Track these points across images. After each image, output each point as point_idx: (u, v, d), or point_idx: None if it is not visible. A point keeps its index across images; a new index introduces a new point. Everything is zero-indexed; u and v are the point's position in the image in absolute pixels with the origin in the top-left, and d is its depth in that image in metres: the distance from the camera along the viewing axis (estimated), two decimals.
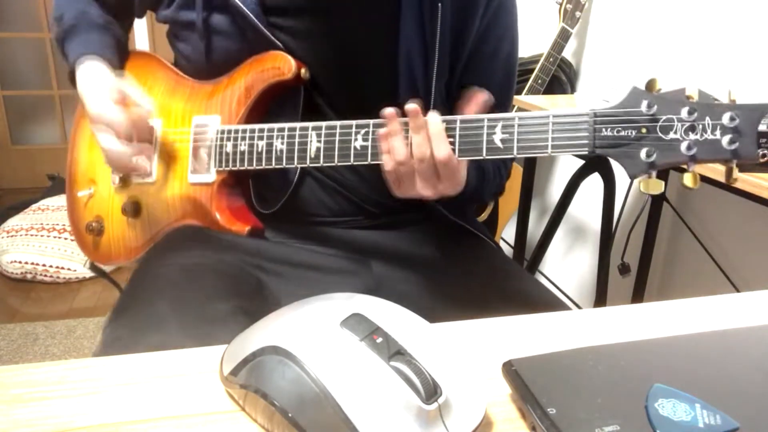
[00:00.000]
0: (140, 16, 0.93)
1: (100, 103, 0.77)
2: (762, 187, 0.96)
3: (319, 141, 0.71)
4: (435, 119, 0.65)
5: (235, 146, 0.77)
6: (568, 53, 1.93)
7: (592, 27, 1.90)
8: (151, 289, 0.70)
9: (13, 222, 2.39)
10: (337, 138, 0.70)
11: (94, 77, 0.83)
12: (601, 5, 1.85)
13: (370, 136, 0.68)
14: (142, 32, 2.99)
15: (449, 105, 0.83)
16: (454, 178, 0.67)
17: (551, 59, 1.86)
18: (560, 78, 1.93)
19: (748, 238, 1.43)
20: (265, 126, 0.75)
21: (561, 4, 1.85)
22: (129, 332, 0.63)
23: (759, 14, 1.34)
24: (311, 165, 0.73)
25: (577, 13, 1.83)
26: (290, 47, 0.78)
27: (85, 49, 0.85)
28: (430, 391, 0.37)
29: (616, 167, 1.62)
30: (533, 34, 2.06)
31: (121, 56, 0.90)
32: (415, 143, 0.65)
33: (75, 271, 2.27)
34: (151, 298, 0.68)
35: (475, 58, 0.83)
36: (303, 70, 0.77)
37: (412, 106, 0.65)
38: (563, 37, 1.85)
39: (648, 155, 0.57)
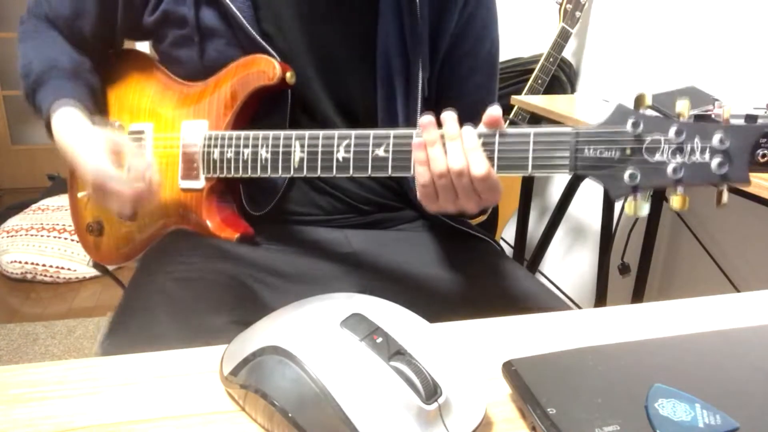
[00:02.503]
0: (119, 46, 0.90)
1: (99, 161, 0.72)
2: (762, 187, 0.96)
3: (303, 151, 0.69)
4: (469, 131, 0.60)
5: (222, 153, 0.76)
6: (568, 53, 1.93)
7: (592, 27, 1.90)
8: (148, 305, 0.69)
9: (13, 222, 2.39)
10: (319, 149, 0.68)
11: (76, 128, 0.78)
12: (601, 5, 1.85)
13: (352, 149, 0.66)
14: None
15: (428, 103, 0.83)
16: (496, 191, 0.62)
17: (551, 59, 1.86)
18: (560, 78, 1.93)
19: (748, 238, 1.43)
20: (251, 133, 0.74)
21: (561, 4, 1.85)
22: (127, 347, 0.63)
23: (758, 14, 1.34)
24: (296, 176, 0.71)
25: (577, 13, 1.83)
26: (275, 45, 0.77)
27: (57, 96, 0.80)
28: (430, 391, 0.37)
29: None
30: (533, 34, 2.06)
31: (95, 102, 0.85)
32: (451, 156, 0.60)
33: (75, 271, 2.27)
34: (148, 312, 0.68)
35: (453, 58, 0.82)
36: (288, 74, 0.76)
37: (450, 113, 0.61)
38: (563, 37, 1.85)
39: (631, 178, 0.55)
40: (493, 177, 0.59)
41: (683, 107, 0.53)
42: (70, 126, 0.78)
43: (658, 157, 0.54)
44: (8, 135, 3.30)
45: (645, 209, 0.56)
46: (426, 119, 0.60)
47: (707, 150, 0.52)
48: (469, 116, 0.62)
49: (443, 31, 0.80)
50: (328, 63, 0.80)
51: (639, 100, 0.55)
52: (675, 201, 0.55)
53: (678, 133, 0.53)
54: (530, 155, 0.58)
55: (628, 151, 0.55)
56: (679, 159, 0.53)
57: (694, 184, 0.54)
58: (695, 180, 0.53)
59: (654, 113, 0.55)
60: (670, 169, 0.53)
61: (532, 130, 0.58)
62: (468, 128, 0.60)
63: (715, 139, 0.52)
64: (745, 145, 0.51)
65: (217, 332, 0.64)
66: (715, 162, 0.52)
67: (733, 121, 0.53)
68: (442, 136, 0.60)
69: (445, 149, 0.60)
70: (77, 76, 0.84)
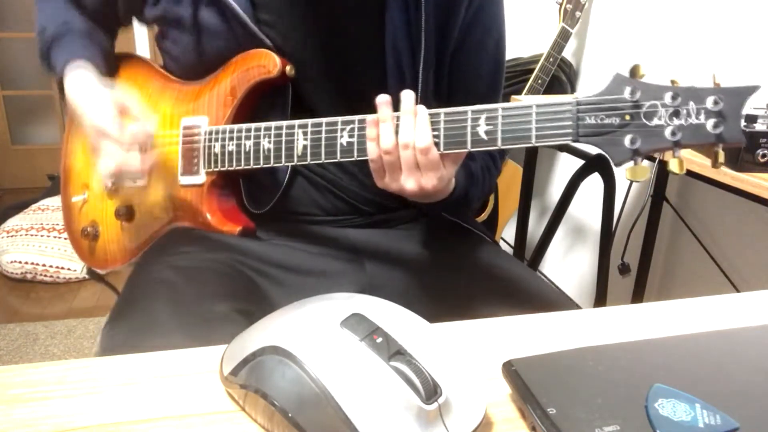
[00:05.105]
0: (126, 23, 0.91)
1: (103, 118, 0.75)
2: (762, 187, 0.96)
3: (306, 139, 0.71)
4: (422, 108, 0.65)
5: (223, 147, 0.77)
6: (568, 53, 1.93)
7: (592, 27, 1.90)
8: (148, 293, 0.69)
9: (13, 222, 2.39)
10: (323, 135, 0.70)
11: (87, 86, 0.81)
12: (601, 5, 1.85)
13: (356, 132, 0.68)
14: (142, 38, 2.99)
15: (438, 96, 0.83)
16: (435, 171, 0.66)
17: (551, 59, 1.86)
18: (560, 78, 1.93)
19: (748, 238, 1.43)
20: (252, 125, 0.74)
21: (561, 4, 1.85)
22: (127, 336, 0.63)
23: (758, 15, 1.34)
24: (299, 163, 0.72)
25: (577, 13, 1.83)
26: (277, 43, 0.77)
27: (71, 56, 0.83)
28: (430, 391, 0.37)
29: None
30: (533, 34, 2.06)
31: (107, 63, 0.88)
32: (402, 129, 0.65)
33: (75, 271, 2.27)
34: (148, 301, 0.68)
35: (461, 51, 0.82)
36: (288, 68, 0.77)
37: (408, 91, 0.66)
38: (563, 37, 1.85)
39: (632, 142, 0.57)
40: (433, 152, 0.65)
41: (676, 77, 0.57)
42: (81, 85, 0.81)
43: (656, 121, 0.57)
44: (8, 135, 3.30)
45: (645, 174, 0.58)
46: (383, 97, 0.66)
47: (702, 112, 0.55)
48: None
49: (452, 23, 0.80)
50: (333, 61, 0.80)
51: (634, 71, 0.58)
52: (673, 164, 0.57)
53: (674, 97, 0.56)
54: (533, 126, 0.61)
55: (627, 117, 0.58)
56: (676, 122, 0.56)
57: (691, 145, 0.57)
58: (692, 140, 0.56)
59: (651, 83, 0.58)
60: (668, 132, 0.56)
61: (533, 103, 0.61)
62: (421, 106, 0.66)
63: (709, 101, 0.55)
64: (737, 106, 0.55)
65: (217, 320, 0.64)
66: (710, 123, 0.55)
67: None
68: (394, 117, 0.66)
69: (396, 128, 0.66)
70: (90, 36, 0.88)
